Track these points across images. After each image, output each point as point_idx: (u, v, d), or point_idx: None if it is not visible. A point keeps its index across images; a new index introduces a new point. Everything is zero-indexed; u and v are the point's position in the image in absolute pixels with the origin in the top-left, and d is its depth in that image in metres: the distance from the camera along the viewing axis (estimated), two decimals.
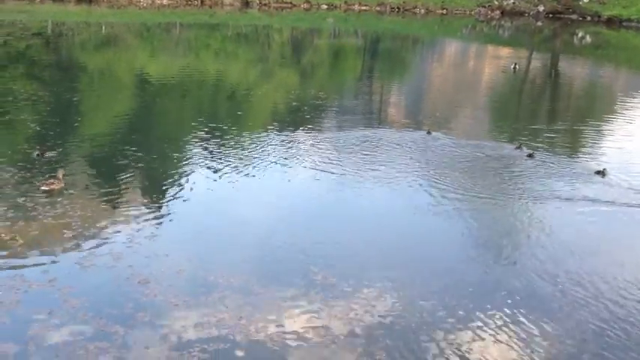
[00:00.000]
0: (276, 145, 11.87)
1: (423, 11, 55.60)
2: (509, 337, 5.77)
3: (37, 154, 9.76)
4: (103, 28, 33.59)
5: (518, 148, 12.20)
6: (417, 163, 10.99)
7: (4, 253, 6.73)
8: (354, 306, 6.12)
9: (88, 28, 33.76)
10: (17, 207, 7.92)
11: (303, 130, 13.20)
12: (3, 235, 7.13)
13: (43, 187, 8.60)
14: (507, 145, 12.57)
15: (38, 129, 11.86)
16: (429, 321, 5.94)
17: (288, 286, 6.40)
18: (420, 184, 9.87)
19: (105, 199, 8.66)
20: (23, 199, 8.22)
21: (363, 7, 55.34)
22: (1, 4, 40.13)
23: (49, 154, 9.83)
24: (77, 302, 5.78)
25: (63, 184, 8.73)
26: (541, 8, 54.61)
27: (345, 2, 55.37)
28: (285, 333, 5.63)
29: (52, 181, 8.71)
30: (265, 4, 52.23)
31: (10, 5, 40.04)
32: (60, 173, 8.90)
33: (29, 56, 22.46)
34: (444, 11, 56.10)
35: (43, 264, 6.54)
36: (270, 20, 46.00)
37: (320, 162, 10.83)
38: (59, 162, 9.78)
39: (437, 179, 10.11)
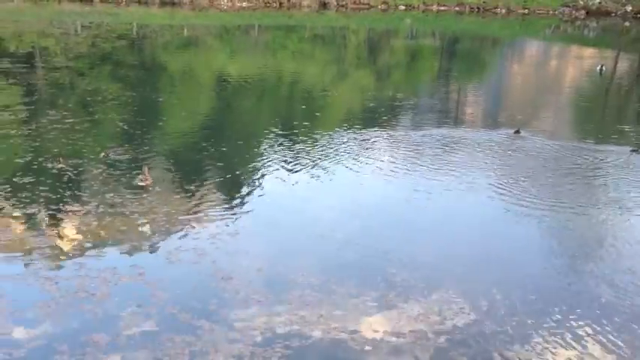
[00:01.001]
0: (351, 145, 11.89)
1: (503, 11, 54.39)
2: (594, 354, 5.56)
3: (103, 155, 10.08)
4: (185, 30, 34.51)
5: (635, 151, 11.69)
6: (500, 166, 10.76)
7: (97, 246, 7.03)
8: (431, 310, 6.05)
9: (171, 30, 34.74)
10: (107, 203, 8.25)
11: (379, 130, 13.17)
12: (95, 229, 7.46)
13: (138, 183, 8.99)
14: (606, 147, 12.06)
15: (126, 128, 12.30)
16: (508, 331, 5.79)
17: (367, 287, 6.39)
18: (503, 189, 9.64)
19: (187, 196, 8.92)
20: (111, 194, 8.56)
21: (442, 8, 54.66)
22: (90, 7, 41.85)
23: (112, 155, 10.11)
24: (164, 296, 5.97)
25: (151, 181, 9.07)
26: (629, 8, 52.46)
27: (423, 3, 54.84)
28: (364, 332, 5.63)
29: (144, 177, 9.09)
30: (342, 6, 52.37)
31: (98, 8, 41.70)
32: (145, 170, 9.24)
33: (115, 57, 23.31)
34: (526, 11, 54.69)
35: (133, 258, 6.80)
36: (346, 21, 46.09)
37: (396, 163, 10.78)
38: (144, 160, 10.14)
39: (522, 183, 9.85)
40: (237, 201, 8.79)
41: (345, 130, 13.24)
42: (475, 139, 12.47)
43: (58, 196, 8.41)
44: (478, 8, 54.54)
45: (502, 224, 8.50)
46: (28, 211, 7.81)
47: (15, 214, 7.72)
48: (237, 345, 5.29)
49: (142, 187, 8.91)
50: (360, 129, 13.29)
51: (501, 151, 11.68)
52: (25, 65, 19.35)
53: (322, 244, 7.45)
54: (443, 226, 8.33)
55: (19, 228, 7.44)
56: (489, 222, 8.60)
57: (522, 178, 10.10)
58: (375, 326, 5.73)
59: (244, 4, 49.26)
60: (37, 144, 10.66)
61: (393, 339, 5.54)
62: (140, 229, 7.56)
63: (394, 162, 10.86)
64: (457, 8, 54.59)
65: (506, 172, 10.45)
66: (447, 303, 6.19)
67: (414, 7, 54.37)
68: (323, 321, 5.75)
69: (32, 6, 40.08)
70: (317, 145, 11.79)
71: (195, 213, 8.25)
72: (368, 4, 53.48)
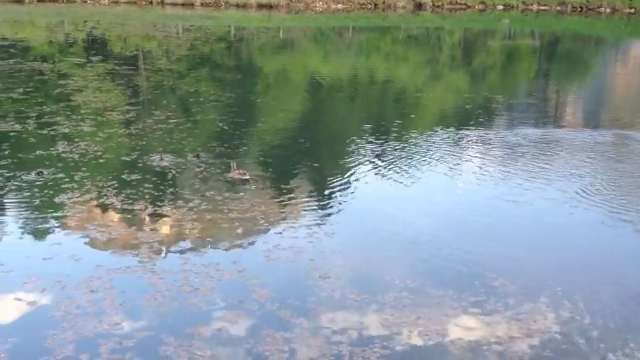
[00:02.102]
0: (444, 147, 11.80)
1: (608, 10, 52.16)
2: None
3: (194, 156, 10.41)
4: (281, 32, 35.11)
5: None
6: (602, 170, 10.37)
7: (199, 243, 7.31)
8: (528, 318, 5.91)
9: (267, 32, 35.45)
10: (207, 200, 8.57)
11: (473, 132, 12.99)
12: (198, 226, 7.76)
13: (236, 177, 9.40)
14: None
15: (226, 128, 12.69)
16: (602, 345, 5.57)
17: (464, 292, 6.32)
18: (603, 195, 9.28)
19: (282, 195, 9.15)
20: (212, 192, 8.87)
21: (542, 7, 53.01)
22: (191, 11, 43.34)
23: (202, 156, 10.42)
24: (264, 293, 6.13)
25: (247, 176, 9.43)
26: None
27: (523, 2, 53.37)
28: (461, 336, 5.58)
29: (235, 171, 9.47)
30: (438, 6, 51.76)
31: (199, 11, 43.12)
32: (234, 165, 9.63)
33: (213, 60, 24.05)
34: (632, 10, 52.19)
35: (233, 255, 7.02)
36: (442, 22, 45.54)
37: (490, 166, 10.62)
38: (240, 158, 10.48)
39: (625, 190, 9.46)
40: (331, 201, 8.92)
41: (438, 132, 13.14)
42: (575, 141, 12.08)
43: (163, 193, 8.80)
44: (581, 7, 52.55)
45: (602, 234, 8.17)
46: (136, 207, 8.21)
47: (124, 211, 8.13)
48: (336, 344, 5.36)
49: (240, 181, 9.30)
50: (454, 131, 13.16)
51: (603, 153, 11.24)
52: (129, 67, 20.30)
53: (416, 247, 7.43)
54: (538, 232, 8.11)
55: (127, 223, 7.84)
56: (588, 231, 8.32)
57: (626, 185, 9.69)
58: (472, 331, 5.67)
59: (339, 6, 49.58)
60: (144, 143, 11.18)
61: (491, 344, 5.46)
62: (239, 226, 7.80)
63: (489, 165, 10.69)
64: (558, 8, 52.81)
65: (608, 177, 10.05)
66: (543, 312, 6.03)
67: (512, 7, 53.02)
68: (421, 323, 5.74)
69: (137, 10, 41.94)
70: (409, 147, 11.77)
71: (291, 212, 8.44)
72: (465, 4, 52.61)
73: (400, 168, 10.43)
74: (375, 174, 10.13)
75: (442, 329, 5.67)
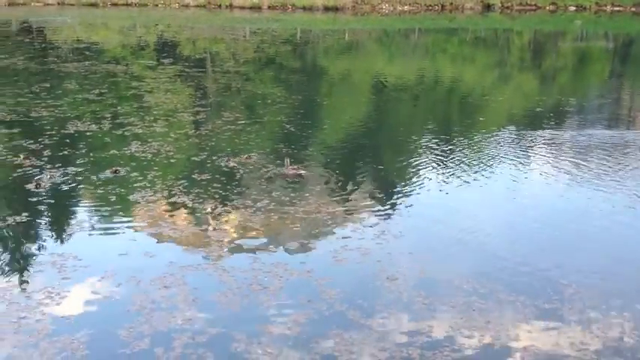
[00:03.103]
0: (512, 150, 11.61)
1: None
2: None
3: (246, 157, 10.53)
4: (346, 34, 35.19)
5: None
6: None
7: (268, 242, 7.41)
8: (606, 328, 5.75)
9: (333, 34, 35.59)
10: (276, 200, 8.68)
11: (542, 136, 12.71)
12: (266, 225, 7.88)
13: (290, 172, 9.66)
14: None
15: (293, 130, 12.84)
16: None
17: (537, 298, 6.19)
18: None
19: (349, 196, 9.20)
20: (279, 192, 8.99)
21: (617, 8, 51.29)
22: (258, 14, 43.94)
23: (246, 158, 10.52)
24: (333, 293, 6.18)
25: (302, 172, 9.71)
26: None
27: (596, 3, 51.76)
28: (534, 343, 5.48)
29: (294, 167, 9.76)
30: (507, 7, 50.79)
31: (266, 14, 43.67)
32: (287, 162, 9.87)
33: (278, 62, 24.31)
34: None
35: (301, 255, 7.11)
36: (511, 23, 44.69)
37: (560, 171, 10.37)
38: (304, 159, 10.66)
39: None
40: (397, 204, 8.89)
41: (506, 135, 12.94)
42: None
43: (231, 192, 8.97)
44: None
45: None
46: (206, 206, 8.40)
47: (194, 209, 8.33)
48: (405, 347, 5.35)
49: (293, 177, 9.59)
50: (523, 134, 12.92)
51: None
52: (198, 69, 20.74)
53: (484, 252, 7.35)
54: (612, 240, 7.87)
55: (198, 222, 8.03)
56: None
57: None
58: (545, 338, 5.55)
59: (406, 7, 49.29)
60: (213, 143, 11.42)
61: (563, 352, 5.34)
62: (306, 227, 7.88)
63: (559, 169, 10.46)
64: (633, 9, 50.97)
65: None
66: (618, 322, 5.85)
67: (585, 8, 51.51)
68: (492, 327, 5.67)
69: (206, 13, 42.80)
70: (476, 150, 11.64)
71: (357, 213, 8.47)
72: (535, 5, 51.43)
73: (466, 171, 10.32)
74: (441, 177, 10.05)
75: (514, 335, 5.58)
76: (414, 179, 10.01)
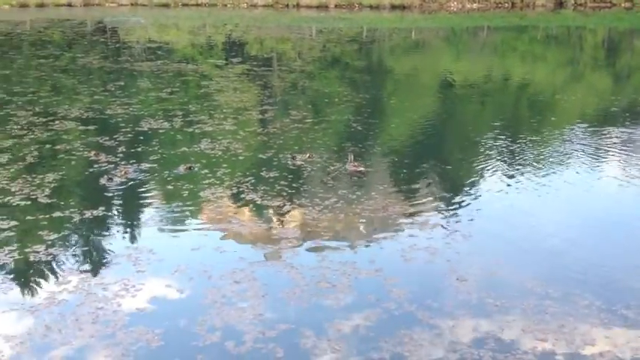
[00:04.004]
0: (584, 149, 11.32)
1: None
2: None
3: (291, 156, 10.56)
4: (413, 33, 34.92)
5: None
6: None
7: (336, 240, 7.45)
8: None
9: (399, 33, 35.38)
10: (343, 199, 8.73)
11: (616, 135, 12.37)
12: (333, 223, 7.92)
13: (351, 169, 9.83)
14: None
15: (360, 128, 12.83)
16: None
17: (614, 303, 6.00)
18: None
19: (416, 195, 9.18)
20: (345, 191, 9.02)
21: None
22: (325, 13, 44.12)
23: (309, 157, 10.54)
24: (401, 292, 6.16)
25: (362, 169, 9.79)
26: None
27: None
28: (610, 349, 5.33)
29: (356, 163, 9.90)
30: (581, 4, 49.37)
31: (333, 13, 43.83)
32: (351, 157, 10.03)
33: (343, 61, 24.32)
34: None
35: (369, 254, 7.11)
36: (584, 21, 43.38)
37: (635, 170, 10.02)
38: (363, 154, 10.74)
39: None
40: (465, 203, 8.80)
41: (577, 135, 12.60)
42: None
43: (299, 190, 9.05)
44: None
45: None
46: (275, 204, 8.50)
47: (263, 206, 8.44)
48: (476, 349, 5.29)
49: (355, 174, 9.71)
50: (595, 134, 12.57)
51: None
52: (266, 68, 20.99)
53: (557, 255, 7.16)
54: None
55: (267, 219, 8.13)
56: None
57: None
58: (622, 344, 5.38)
59: (474, 5, 48.56)
60: (281, 141, 11.54)
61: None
62: (374, 225, 7.89)
63: (632, 171, 10.11)
64: None
65: None
66: None
67: None
68: (566, 331, 5.55)
69: (274, 13, 43.29)
70: (546, 151, 11.39)
71: (425, 213, 8.42)
72: (610, 2, 49.83)
73: (537, 171, 10.12)
74: (510, 177, 9.87)
75: (590, 339, 5.43)
76: (482, 179, 9.88)
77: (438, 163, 10.80)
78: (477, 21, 41.87)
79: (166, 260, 6.85)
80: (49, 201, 8.37)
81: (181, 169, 9.78)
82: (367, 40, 31.22)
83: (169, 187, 9.14)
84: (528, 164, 10.53)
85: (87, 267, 6.74)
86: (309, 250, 7.18)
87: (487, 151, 11.37)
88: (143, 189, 9.10)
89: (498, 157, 10.96)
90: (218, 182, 9.26)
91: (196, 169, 9.84)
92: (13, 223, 7.61)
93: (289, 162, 10.25)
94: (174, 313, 5.82)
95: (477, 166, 10.53)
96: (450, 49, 30.72)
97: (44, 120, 12.60)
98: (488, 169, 10.30)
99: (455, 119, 14.87)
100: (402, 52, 28.53)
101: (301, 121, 13.09)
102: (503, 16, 45.25)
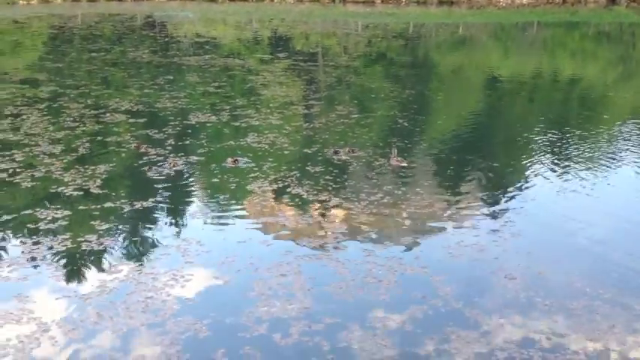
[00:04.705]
0: (634, 151, 11.04)
1: None
2: None
3: (334, 152, 10.50)
4: (460, 28, 34.51)
5: None
6: None
7: (381, 235, 7.45)
8: None
9: (446, 28, 35.01)
10: (389, 194, 8.71)
11: None
12: (379, 219, 7.92)
13: (394, 163, 9.86)
14: None
15: (406, 125, 12.77)
16: None
17: None
18: None
19: (462, 192, 9.16)
20: (390, 187, 8.99)
21: None
22: (371, 8, 43.91)
23: (352, 151, 10.48)
24: (448, 289, 6.13)
25: (404, 164, 9.81)
26: None
27: None
28: None
29: (399, 158, 9.93)
30: (634, 0, 48.00)
31: (379, 8, 43.55)
32: (395, 152, 10.04)
33: (389, 56, 24.19)
34: None
35: (415, 250, 7.09)
36: (638, 18, 42.20)
37: None
38: (409, 150, 10.74)
39: None
40: (512, 201, 8.72)
41: (628, 134, 12.35)
42: None
43: (345, 185, 9.07)
44: None
45: None
46: (320, 198, 8.52)
47: (309, 201, 8.48)
48: (526, 348, 5.23)
49: (397, 168, 9.72)
50: None
51: None
52: (311, 63, 21.01)
53: (608, 256, 7.03)
54: None
55: (313, 213, 8.16)
56: None
57: None
58: None
59: (524, 0, 47.69)
60: (327, 136, 11.57)
61: None
62: (420, 222, 7.86)
63: None
64: None
65: None
66: None
67: None
68: (617, 332, 5.46)
69: (320, 8, 43.24)
70: (596, 150, 11.20)
71: (471, 210, 8.37)
72: None
73: (586, 170, 9.96)
74: (558, 176, 9.73)
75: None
76: (529, 177, 9.74)
77: (484, 160, 10.67)
78: (526, 16, 41.11)
79: (214, 252, 6.94)
80: (101, 192, 8.55)
81: (229, 161, 9.88)
82: (413, 36, 30.98)
83: (216, 180, 9.25)
84: (578, 163, 10.34)
85: (137, 257, 6.88)
86: (354, 245, 7.19)
87: (535, 149, 11.21)
88: (191, 181, 9.24)
89: (546, 155, 10.79)
90: (264, 176, 9.33)
91: (243, 162, 9.93)
92: (67, 212, 7.80)
93: (334, 157, 10.26)
94: (222, 304, 5.90)
95: (525, 163, 10.39)
96: (498, 45, 30.27)
97: (95, 112, 12.87)
98: (535, 167, 10.15)
99: (502, 116, 14.68)
100: (449, 47, 28.25)
101: (347, 116, 13.08)
102: (554, 12, 44.32)
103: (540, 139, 11.89)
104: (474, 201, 8.74)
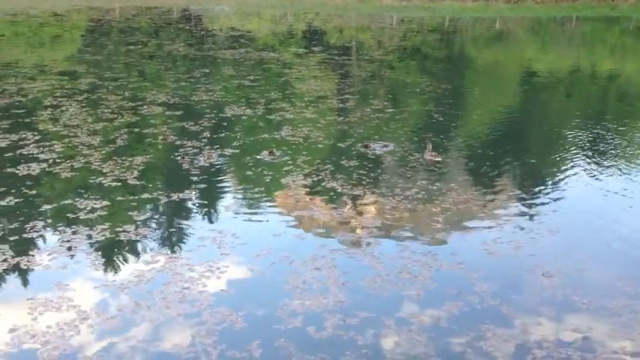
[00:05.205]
0: None
1: None
2: None
3: (364, 146, 10.48)
4: (497, 23, 34.10)
5: None
6: None
7: (416, 230, 7.41)
8: None
9: (483, 23, 34.63)
10: (424, 189, 8.67)
11: None
12: (414, 214, 7.89)
13: (428, 157, 9.81)
14: None
15: (441, 119, 12.68)
16: None
17: None
18: None
19: (498, 188, 9.06)
20: (425, 182, 8.94)
21: None
22: (407, 2, 43.61)
23: (372, 147, 10.44)
24: (484, 286, 6.08)
25: (438, 159, 9.76)
26: None
27: None
28: None
29: (434, 153, 9.87)
30: None
31: (415, 2, 43.13)
32: (429, 147, 10.01)
33: (424, 51, 24.00)
34: None
35: (451, 246, 7.05)
36: None
37: None
38: (444, 145, 10.64)
39: None
40: (549, 198, 8.60)
41: None
42: None
43: (379, 180, 9.05)
44: None
45: None
46: (355, 193, 8.51)
47: (344, 195, 8.48)
48: (564, 348, 5.16)
49: (431, 163, 9.68)
50: None
51: None
52: (345, 57, 20.96)
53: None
54: None
55: (347, 207, 8.16)
56: None
57: None
58: None
59: None
60: (361, 130, 11.55)
61: None
62: (456, 217, 7.80)
63: None
64: None
65: None
66: None
67: None
68: None
69: (355, 1, 42.99)
70: (635, 147, 10.95)
71: (508, 206, 8.30)
72: None
73: (626, 167, 9.83)
74: (597, 172, 9.58)
75: None
76: (567, 174, 9.60)
77: (521, 155, 10.56)
78: (565, 11, 40.42)
79: (249, 244, 6.98)
80: (138, 183, 8.67)
81: (265, 154, 9.93)
82: (449, 30, 30.70)
83: (250, 172, 9.30)
84: (616, 159, 10.18)
85: (173, 247, 6.96)
86: (389, 239, 7.17)
87: (572, 145, 11.04)
88: (225, 174, 9.31)
89: (584, 152, 10.62)
90: (298, 169, 9.35)
91: (279, 153, 9.97)
92: (105, 203, 7.92)
93: (367, 151, 10.24)
94: (257, 297, 5.94)
95: (563, 160, 10.26)
96: (536, 39, 29.83)
97: (133, 104, 13.02)
98: (573, 164, 10.01)
99: (539, 111, 14.46)
100: (486, 42, 27.93)
101: (382, 110, 13.04)
102: (594, 6, 43.44)
103: (578, 135, 11.70)
104: (510, 197, 8.65)
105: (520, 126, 13.01)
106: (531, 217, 7.91)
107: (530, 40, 29.43)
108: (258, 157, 9.87)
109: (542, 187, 9.08)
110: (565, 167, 9.92)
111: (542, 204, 8.38)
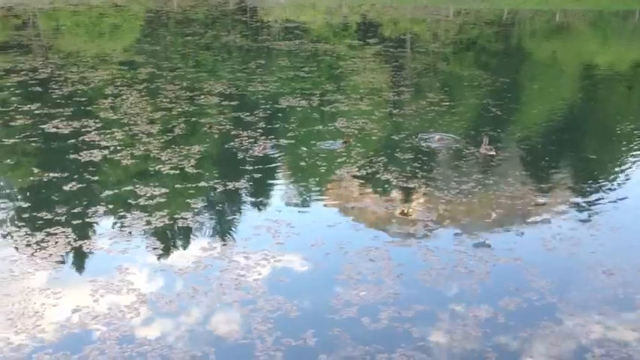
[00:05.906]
0: None
1: None
2: None
3: (415, 138, 10.39)
4: (557, 16, 33.29)
5: None
6: None
7: (471, 225, 7.36)
8: None
9: (542, 16, 33.84)
10: (480, 184, 8.57)
11: None
12: (469, 208, 7.81)
13: (483, 151, 9.68)
14: None
15: (499, 113, 12.46)
16: None
17: None
18: None
19: (557, 184, 8.88)
20: (481, 176, 8.83)
21: None
22: None
23: (439, 140, 10.32)
24: (542, 283, 6.00)
25: (492, 153, 9.64)
26: None
27: None
28: None
29: (489, 147, 9.72)
30: None
31: None
32: (486, 140, 9.82)
33: (480, 44, 23.60)
34: None
35: (509, 241, 6.96)
36: None
37: None
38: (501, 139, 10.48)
39: None
40: (609, 195, 8.41)
41: None
42: None
43: (435, 173, 8.98)
44: None
45: None
46: (410, 186, 8.47)
47: (398, 187, 8.44)
48: (625, 346, 5.06)
49: (486, 157, 9.54)
50: None
51: None
52: (400, 49, 20.78)
53: None
54: None
55: (402, 200, 8.13)
56: None
57: None
58: None
59: None
60: (416, 123, 11.46)
61: None
62: (513, 212, 7.69)
63: None
64: None
65: None
66: None
67: None
68: None
69: None
70: None
71: (567, 202, 8.14)
72: None
73: None
74: None
75: None
76: (627, 170, 9.38)
77: (579, 151, 10.32)
78: (628, 4, 39.08)
79: (304, 234, 7.03)
80: (195, 171, 8.81)
81: (338, 144, 10.00)
82: (507, 23, 30.11)
83: (304, 163, 9.34)
84: None
85: (230, 235, 7.07)
86: (444, 233, 7.11)
87: (633, 141, 10.71)
88: (280, 164, 9.37)
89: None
90: (352, 161, 9.35)
91: (352, 141, 10.01)
92: (164, 190, 8.08)
93: (422, 143, 10.17)
94: (312, 286, 5.98)
95: (622, 155, 9.99)
96: (597, 33, 29.00)
97: (190, 94, 13.22)
98: (634, 160, 9.75)
99: (599, 106, 14.08)
100: (545, 35, 27.27)
101: (438, 103, 12.89)
102: None
103: (637, 134, 11.34)
104: (568, 193, 8.46)
105: (580, 121, 12.70)
106: (591, 213, 7.72)
107: (591, 34, 28.64)
108: (333, 146, 9.91)
109: (602, 184, 8.86)
110: (626, 163, 9.65)
111: (602, 200, 8.17)
